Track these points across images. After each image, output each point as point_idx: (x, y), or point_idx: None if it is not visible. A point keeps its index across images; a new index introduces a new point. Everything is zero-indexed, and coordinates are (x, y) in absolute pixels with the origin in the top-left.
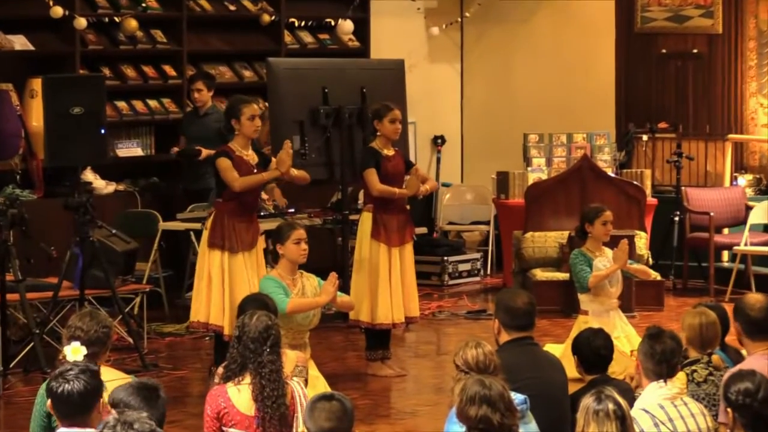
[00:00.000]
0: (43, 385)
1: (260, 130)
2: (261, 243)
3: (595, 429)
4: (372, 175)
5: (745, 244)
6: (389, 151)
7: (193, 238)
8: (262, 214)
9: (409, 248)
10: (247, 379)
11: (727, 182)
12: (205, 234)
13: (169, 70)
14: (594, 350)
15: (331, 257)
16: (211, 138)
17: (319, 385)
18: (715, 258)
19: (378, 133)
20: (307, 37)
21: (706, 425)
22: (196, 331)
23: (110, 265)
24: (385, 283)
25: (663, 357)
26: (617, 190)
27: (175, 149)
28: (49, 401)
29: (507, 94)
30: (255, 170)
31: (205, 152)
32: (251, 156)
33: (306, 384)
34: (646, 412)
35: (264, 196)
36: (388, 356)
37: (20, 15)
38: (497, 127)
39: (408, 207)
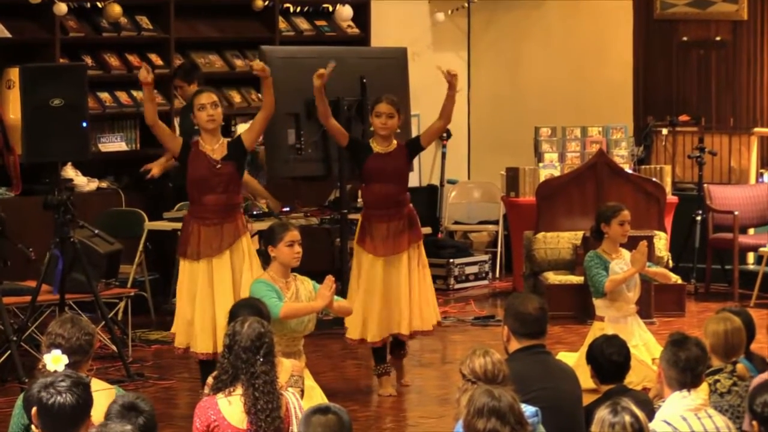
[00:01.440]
0: (21, 397)
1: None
2: (245, 246)
3: None
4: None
5: None
6: (383, 149)
7: None
8: (254, 213)
9: (400, 259)
10: (239, 389)
11: (752, 179)
12: None
13: (156, 59)
14: (608, 358)
15: (328, 259)
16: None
17: (316, 396)
18: (739, 260)
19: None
20: (303, 24)
21: None
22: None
23: (92, 267)
24: (370, 296)
25: (687, 365)
26: (635, 187)
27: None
28: (34, 410)
29: (517, 84)
30: (218, 165)
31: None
32: (218, 151)
33: (302, 395)
34: (668, 423)
35: (261, 201)
36: (387, 371)
37: None
38: (506, 120)
39: (410, 205)
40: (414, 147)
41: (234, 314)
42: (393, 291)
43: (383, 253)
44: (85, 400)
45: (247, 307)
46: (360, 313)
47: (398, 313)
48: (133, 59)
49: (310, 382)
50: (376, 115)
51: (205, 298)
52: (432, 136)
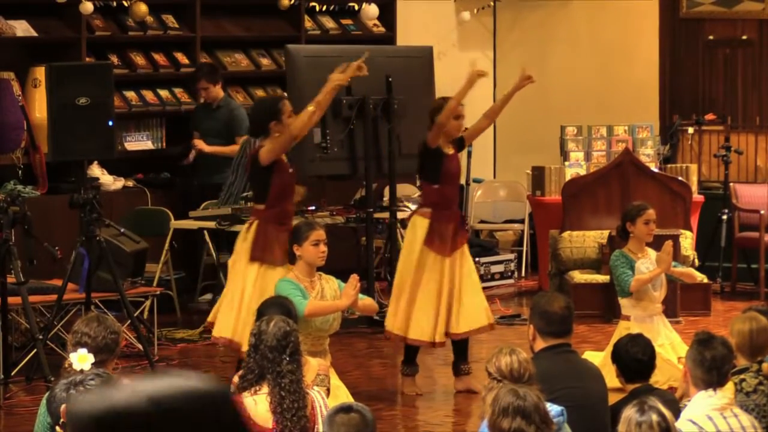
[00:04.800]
0: (46, 396)
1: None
2: None
3: None
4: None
5: None
6: (450, 150)
7: (207, 237)
8: None
9: (463, 254)
10: (265, 388)
11: None
12: (244, 246)
13: (182, 57)
14: (632, 357)
15: (354, 258)
16: (223, 132)
17: (341, 394)
18: (765, 259)
19: None
20: (328, 23)
21: None
22: (208, 336)
23: (118, 266)
24: (432, 297)
25: (713, 364)
26: (661, 186)
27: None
28: (63, 406)
29: (543, 83)
30: (291, 169)
31: (203, 147)
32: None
33: (327, 394)
34: (694, 423)
35: None
36: (414, 373)
37: None
38: (532, 119)
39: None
40: (460, 147)
41: (261, 313)
42: (456, 288)
43: (451, 252)
44: None
45: (275, 306)
46: (428, 314)
47: (456, 311)
48: (159, 58)
49: (335, 381)
50: (455, 118)
51: None
52: (475, 135)
